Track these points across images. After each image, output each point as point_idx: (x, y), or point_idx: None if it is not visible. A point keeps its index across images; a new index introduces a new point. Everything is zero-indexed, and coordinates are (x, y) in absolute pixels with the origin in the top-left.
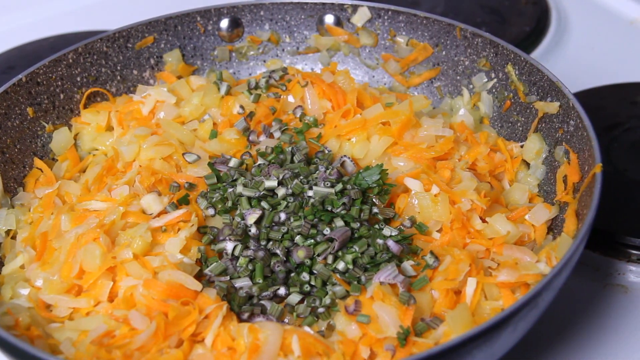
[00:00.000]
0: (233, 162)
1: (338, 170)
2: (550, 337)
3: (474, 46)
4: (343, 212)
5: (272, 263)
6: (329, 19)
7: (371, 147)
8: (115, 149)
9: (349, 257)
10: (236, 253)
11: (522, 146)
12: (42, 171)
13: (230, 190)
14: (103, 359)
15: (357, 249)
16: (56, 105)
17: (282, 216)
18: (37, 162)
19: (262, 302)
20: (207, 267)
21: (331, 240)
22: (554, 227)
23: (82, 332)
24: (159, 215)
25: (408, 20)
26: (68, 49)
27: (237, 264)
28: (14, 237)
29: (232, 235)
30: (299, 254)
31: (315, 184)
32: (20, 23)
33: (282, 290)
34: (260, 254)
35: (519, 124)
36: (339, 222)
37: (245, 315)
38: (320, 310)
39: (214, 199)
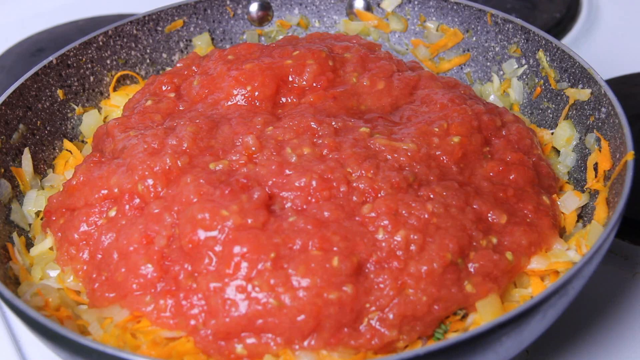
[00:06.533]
0: None
1: None
2: (579, 325)
3: (505, 32)
4: None
5: None
6: (359, 3)
7: None
8: None
9: None
10: None
11: (552, 133)
12: (71, 153)
13: None
14: (129, 344)
15: None
16: (86, 88)
17: None
18: (67, 144)
19: None
20: None
21: None
22: (583, 215)
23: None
24: None
25: (438, 5)
26: (98, 31)
27: None
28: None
29: None
30: None
31: None
32: (50, 6)
33: None
34: None
35: (549, 111)
36: None
37: None
38: None
39: None
